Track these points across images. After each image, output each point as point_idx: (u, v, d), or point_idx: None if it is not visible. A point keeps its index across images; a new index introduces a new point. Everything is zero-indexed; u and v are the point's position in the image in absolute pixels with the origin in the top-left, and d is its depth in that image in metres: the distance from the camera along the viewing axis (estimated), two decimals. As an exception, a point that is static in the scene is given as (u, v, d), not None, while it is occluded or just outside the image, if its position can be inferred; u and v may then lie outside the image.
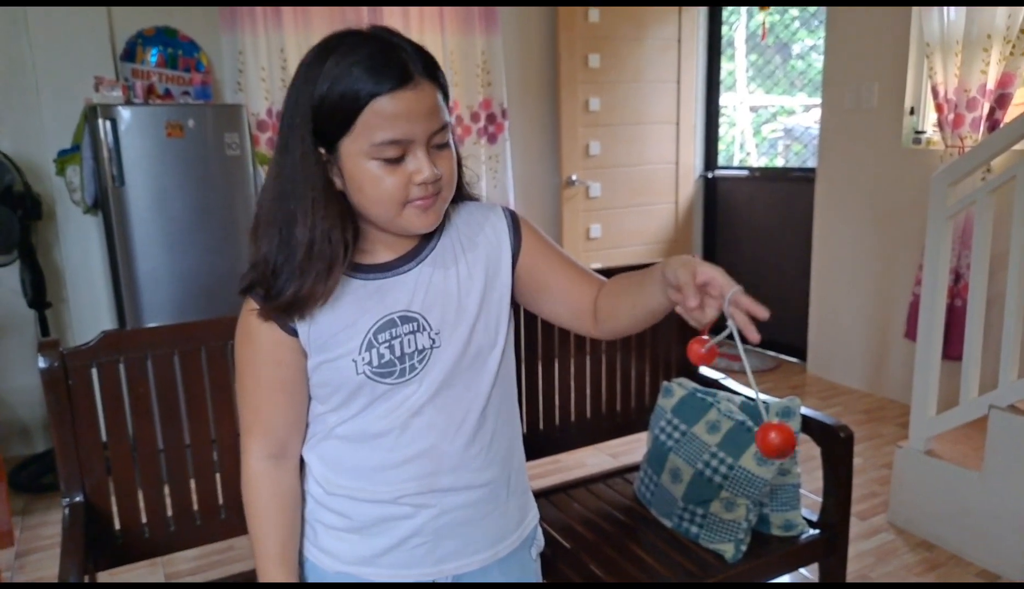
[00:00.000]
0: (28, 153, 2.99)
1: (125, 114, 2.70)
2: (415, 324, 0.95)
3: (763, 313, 0.78)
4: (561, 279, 1.05)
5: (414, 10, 3.60)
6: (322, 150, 0.89)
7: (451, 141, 0.94)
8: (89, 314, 3.17)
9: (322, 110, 0.86)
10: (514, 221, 1.05)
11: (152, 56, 3.13)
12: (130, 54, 3.11)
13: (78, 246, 3.14)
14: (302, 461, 1.04)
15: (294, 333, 0.94)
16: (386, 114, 0.85)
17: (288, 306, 0.91)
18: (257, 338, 0.96)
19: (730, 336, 0.80)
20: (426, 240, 0.99)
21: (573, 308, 1.04)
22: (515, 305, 1.07)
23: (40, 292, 2.92)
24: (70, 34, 2.98)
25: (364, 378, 0.94)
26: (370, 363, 0.93)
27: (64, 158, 2.91)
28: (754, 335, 0.78)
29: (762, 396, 1.84)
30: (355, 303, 0.94)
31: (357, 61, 0.85)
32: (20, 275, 2.93)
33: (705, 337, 0.86)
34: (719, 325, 0.80)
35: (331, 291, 0.91)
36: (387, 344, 0.94)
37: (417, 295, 0.96)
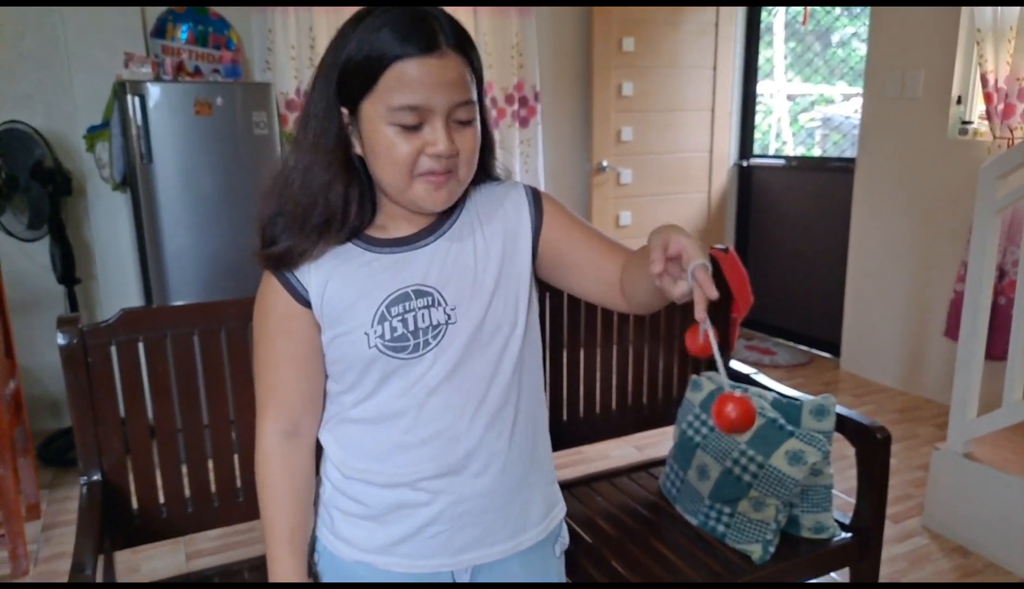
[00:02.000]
0: (59, 129, 3.00)
1: (154, 91, 2.69)
2: (430, 298, 0.93)
3: (712, 294, 0.73)
4: (587, 252, 1.01)
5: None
6: (344, 110, 0.89)
7: (477, 121, 0.91)
8: (118, 291, 3.19)
9: (347, 69, 0.86)
10: (535, 197, 1.02)
11: (183, 33, 3.12)
12: (160, 31, 3.10)
13: (107, 223, 3.15)
14: (319, 445, 1.02)
15: (307, 304, 0.94)
16: (407, 78, 0.84)
17: (278, 257, 0.92)
18: (271, 309, 0.96)
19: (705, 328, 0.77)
20: (445, 216, 0.97)
21: (602, 281, 1.00)
22: (544, 287, 1.04)
23: (69, 268, 2.93)
24: (101, 11, 2.98)
25: (376, 352, 0.92)
26: (382, 336, 0.91)
27: (93, 134, 2.92)
28: (700, 313, 0.75)
29: (793, 392, 1.78)
30: (369, 276, 0.93)
31: (387, 22, 0.84)
32: (50, 250, 2.95)
33: (701, 327, 0.79)
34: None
35: (322, 251, 0.92)
36: (400, 318, 0.92)
37: (432, 269, 0.94)
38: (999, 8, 2.83)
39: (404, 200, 0.91)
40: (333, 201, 0.89)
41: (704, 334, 0.78)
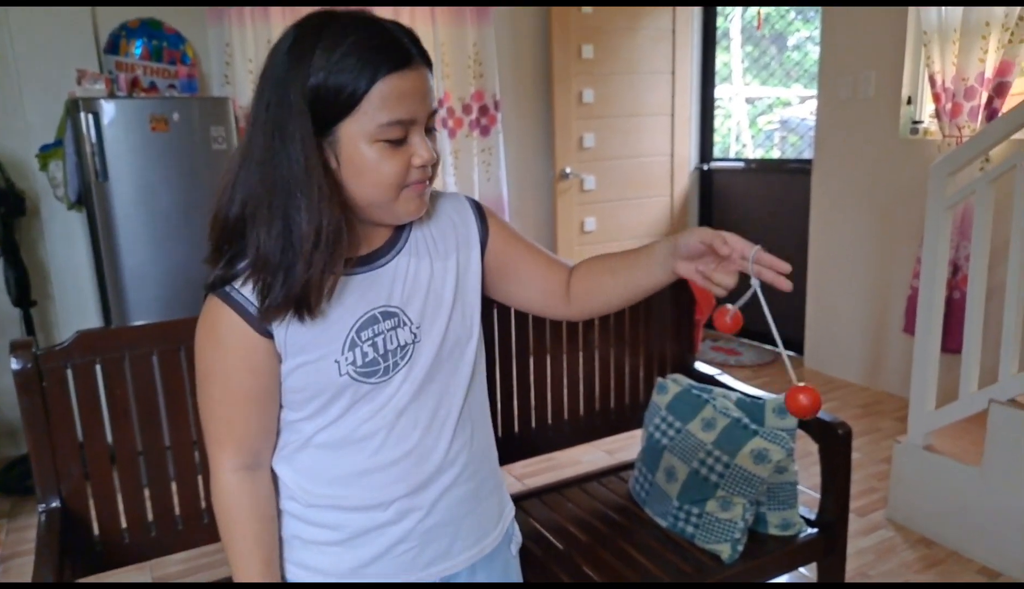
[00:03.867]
0: (10, 149, 2.93)
1: (108, 107, 2.65)
2: (396, 319, 0.92)
3: (785, 266, 0.84)
4: (530, 263, 1.05)
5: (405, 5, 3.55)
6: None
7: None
8: (76, 312, 3.12)
9: (319, 94, 0.81)
10: (479, 210, 1.04)
11: (136, 48, 3.07)
12: (114, 47, 3.05)
13: (63, 243, 3.09)
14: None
15: (269, 336, 0.88)
16: (393, 94, 0.82)
17: (296, 301, 0.84)
18: (227, 343, 0.89)
19: (754, 296, 0.85)
20: (399, 232, 0.95)
21: (545, 290, 1.05)
22: (489, 300, 1.05)
23: (24, 290, 2.86)
24: (53, 27, 2.92)
25: (348, 379, 0.89)
26: (354, 363, 0.89)
27: (46, 153, 2.86)
28: (785, 284, 0.84)
29: (756, 391, 1.81)
30: (336, 300, 0.88)
31: (355, 42, 0.81)
32: (4, 273, 2.87)
33: (729, 306, 0.89)
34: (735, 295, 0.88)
35: (337, 282, 0.86)
36: (370, 342, 0.90)
37: (396, 289, 0.93)
38: (943, 10, 2.91)
39: (385, 214, 0.89)
40: (341, 232, 0.84)
41: (735, 316, 0.89)
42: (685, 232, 0.90)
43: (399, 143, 0.85)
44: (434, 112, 0.89)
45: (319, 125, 0.83)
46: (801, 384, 0.84)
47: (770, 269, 0.84)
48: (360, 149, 0.84)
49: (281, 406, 0.95)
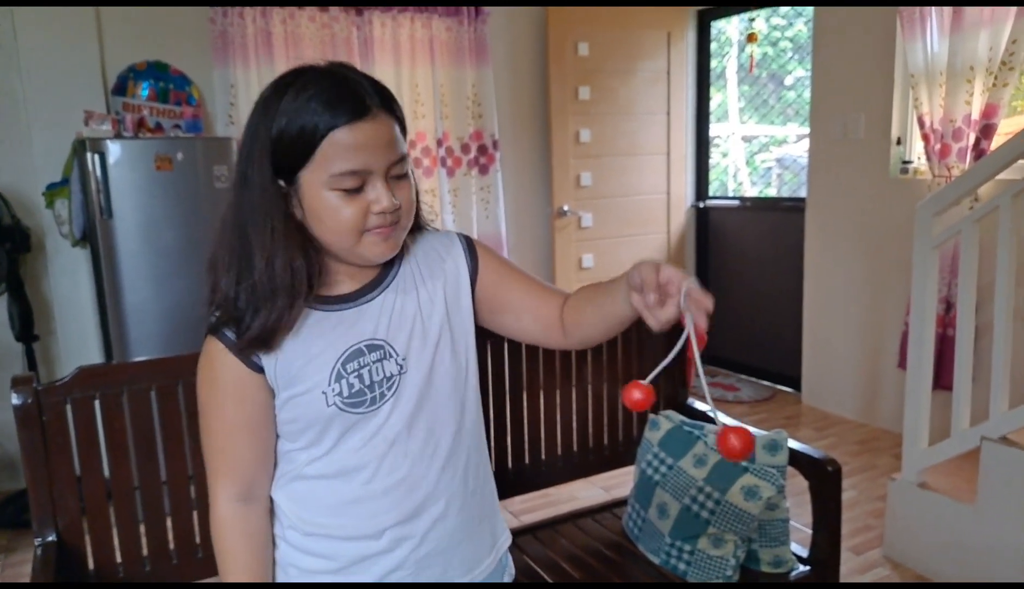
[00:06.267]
0: (18, 186, 2.99)
1: (114, 147, 2.71)
2: (382, 351, 0.95)
3: (708, 305, 0.80)
4: (523, 294, 1.07)
5: (405, 44, 3.64)
6: (281, 182, 0.89)
7: (410, 171, 0.95)
8: (78, 347, 3.15)
9: (281, 142, 0.87)
10: (469, 245, 1.07)
11: (143, 90, 3.15)
12: (121, 88, 3.12)
13: (67, 279, 3.13)
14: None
15: (260, 370, 0.94)
16: (344, 145, 0.86)
17: (256, 339, 0.91)
18: (221, 377, 0.94)
19: (687, 340, 0.82)
20: (387, 269, 1.00)
21: (540, 321, 1.06)
22: (486, 334, 1.08)
23: (28, 325, 2.90)
24: (62, 68, 3.00)
25: (335, 410, 0.93)
26: (340, 394, 0.93)
27: (53, 191, 2.91)
28: (701, 325, 0.80)
29: (722, 416, 1.82)
30: (321, 335, 0.94)
31: (315, 94, 0.86)
32: (8, 308, 2.91)
33: (643, 382, 0.84)
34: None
35: (295, 320, 0.92)
36: (356, 373, 0.94)
37: (382, 323, 0.96)
38: (929, 53, 2.99)
39: (352, 257, 0.94)
40: (297, 273, 0.90)
41: (647, 391, 0.84)
42: (638, 263, 0.87)
43: (356, 191, 0.88)
44: (401, 159, 0.91)
45: (284, 172, 0.89)
46: (734, 425, 0.81)
47: (697, 304, 0.80)
48: (319, 196, 0.88)
49: (278, 437, 0.99)
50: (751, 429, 0.81)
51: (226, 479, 0.98)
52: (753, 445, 0.79)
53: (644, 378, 0.84)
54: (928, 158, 3.08)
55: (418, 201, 1.01)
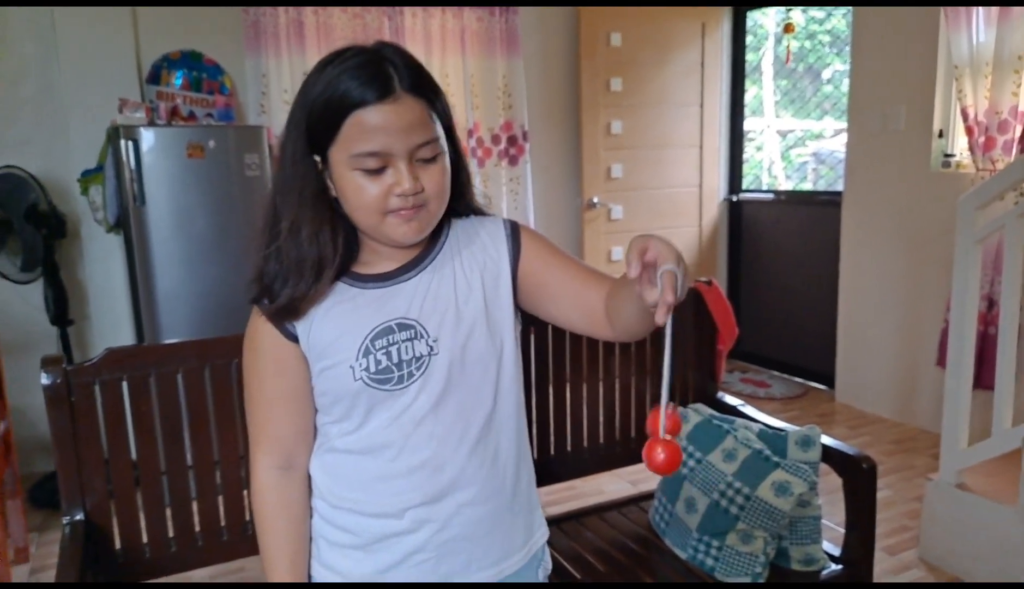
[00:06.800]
0: (55, 173, 3.04)
1: (147, 135, 2.74)
2: (412, 331, 0.95)
3: (668, 297, 0.72)
4: (567, 281, 1.02)
5: (436, 34, 3.63)
6: (317, 158, 0.91)
7: (445, 156, 0.93)
8: (111, 331, 3.20)
9: (312, 118, 0.89)
10: (513, 229, 1.04)
11: (177, 79, 3.18)
12: (155, 77, 3.16)
13: (101, 264, 3.18)
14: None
15: (295, 339, 0.96)
16: (365, 126, 0.87)
17: (284, 309, 0.93)
18: (261, 346, 0.98)
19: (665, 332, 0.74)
20: (427, 250, 0.99)
21: (581, 309, 1.01)
22: (529, 322, 1.05)
23: (62, 309, 2.95)
24: (98, 58, 3.04)
25: (362, 385, 0.93)
26: (367, 369, 0.93)
27: (88, 178, 2.96)
28: (661, 318, 0.72)
29: (779, 423, 1.78)
30: (353, 311, 0.95)
31: (345, 72, 0.87)
32: (44, 292, 2.96)
33: (665, 410, 0.76)
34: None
35: (323, 292, 0.93)
36: (384, 350, 0.94)
37: (415, 303, 0.96)
38: (975, 44, 2.89)
39: (379, 236, 0.94)
40: (323, 247, 0.92)
41: (662, 417, 0.75)
42: (633, 239, 0.79)
43: (379, 171, 0.88)
44: (429, 142, 0.90)
45: (317, 148, 0.90)
46: (665, 437, 0.74)
47: (664, 294, 0.72)
48: (344, 174, 0.90)
49: (316, 410, 1.01)
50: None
51: (266, 447, 1.00)
52: (679, 462, 0.73)
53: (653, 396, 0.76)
54: (971, 151, 2.99)
55: (468, 185, 1.02)
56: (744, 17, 4.38)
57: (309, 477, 1.03)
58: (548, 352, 1.78)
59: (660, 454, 0.74)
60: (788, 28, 4.01)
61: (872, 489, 1.63)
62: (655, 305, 0.73)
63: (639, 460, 1.96)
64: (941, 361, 3.15)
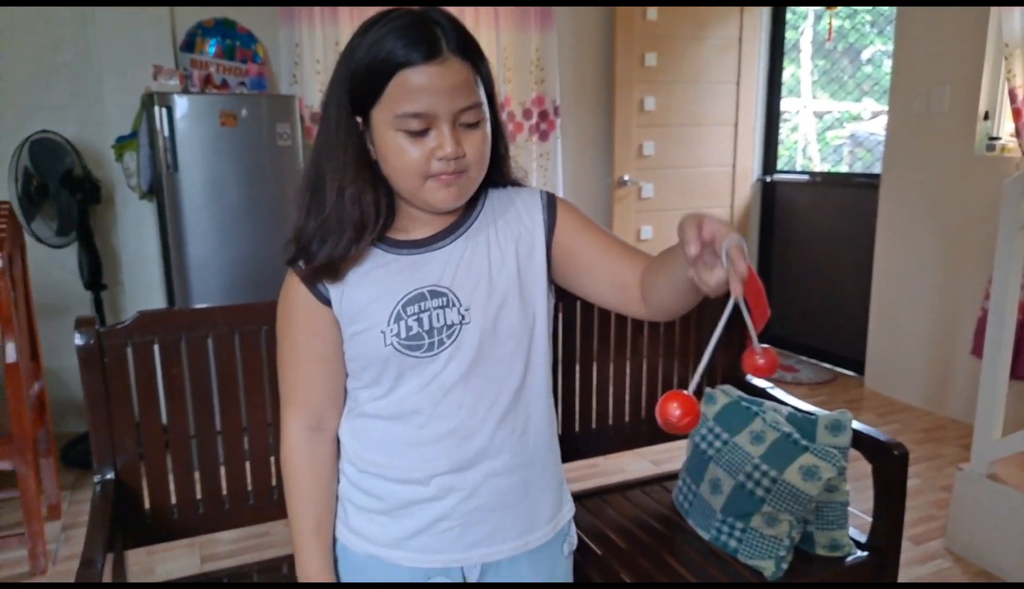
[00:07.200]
0: (90, 139, 3.08)
1: (181, 102, 2.75)
2: (444, 299, 0.95)
3: (742, 269, 0.70)
4: (602, 256, 1.01)
5: (469, 6, 3.59)
6: (359, 119, 0.91)
7: (486, 122, 0.92)
8: (143, 297, 3.24)
9: (355, 77, 0.88)
10: (550, 201, 1.03)
11: (211, 47, 3.19)
12: (190, 44, 3.17)
13: (134, 230, 3.22)
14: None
15: (328, 302, 0.96)
16: (411, 87, 0.86)
17: (322, 269, 0.94)
18: (294, 308, 0.98)
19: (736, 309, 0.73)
20: (462, 218, 0.98)
21: (615, 285, 1.00)
22: (559, 298, 1.04)
23: (96, 274, 2.99)
24: (133, 25, 3.06)
25: (392, 350, 0.93)
26: (398, 335, 0.93)
27: (122, 144, 2.98)
28: (737, 291, 0.71)
29: (809, 406, 1.76)
30: (387, 277, 0.95)
31: (390, 32, 0.86)
32: (78, 257, 3.01)
33: (761, 346, 0.78)
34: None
35: (361, 254, 0.94)
36: (415, 317, 0.94)
37: (448, 271, 0.96)
38: (1027, 23, 2.79)
39: (417, 201, 0.93)
40: (365, 208, 0.92)
41: (759, 352, 0.78)
42: (684, 217, 0.78)
43: (422, 134, 0.88)
44: (473, 106, 0.89)
45: (360, 109, 0.90)
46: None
47: (732, 265, 0.71)
48: (386, 135, 0.89)
49: (347, 374, 1.02)
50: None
51: (296, 409, 1.01)
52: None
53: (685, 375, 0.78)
54: (1018, 134, 2.89)
55: (506, 155, 1.01)
56: (785, -8, 4.27)
57: (338, 441, 1.04)
58: (576, 329, 1.77)
59: (676, 410, 0.72)
60: (831, 6, 3.90)
61: (903, 477, 1.60)
62: (719, 284, 0.73)
63: (663, 440, 1.95)
64: (976, 350, 3.08)
